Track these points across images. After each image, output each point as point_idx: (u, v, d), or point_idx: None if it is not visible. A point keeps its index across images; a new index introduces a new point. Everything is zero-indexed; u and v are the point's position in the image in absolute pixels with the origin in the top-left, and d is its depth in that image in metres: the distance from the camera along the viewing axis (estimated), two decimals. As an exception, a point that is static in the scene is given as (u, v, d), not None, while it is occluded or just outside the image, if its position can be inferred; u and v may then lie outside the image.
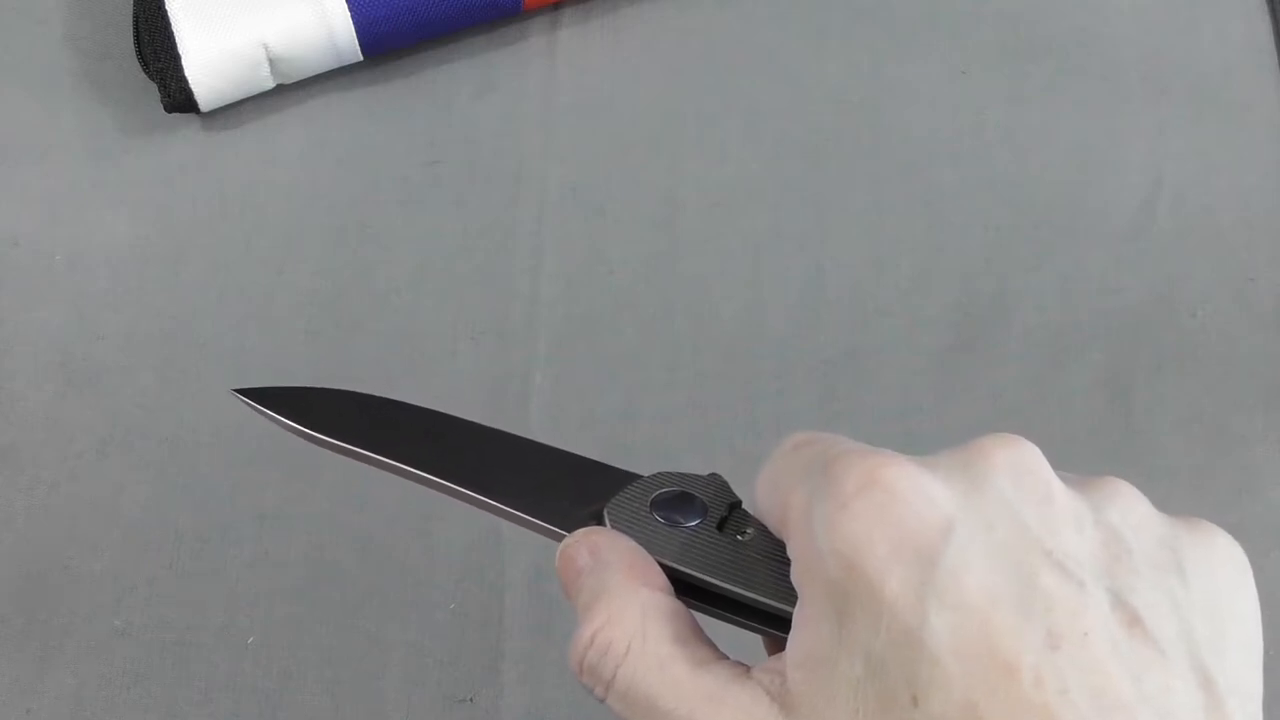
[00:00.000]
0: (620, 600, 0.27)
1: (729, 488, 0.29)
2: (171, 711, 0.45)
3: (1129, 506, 0.25)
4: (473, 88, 0.54)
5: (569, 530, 0.29)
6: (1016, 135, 0.54)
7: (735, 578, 0.27)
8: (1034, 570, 0.23)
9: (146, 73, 0.51)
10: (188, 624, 0.46)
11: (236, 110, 0.52)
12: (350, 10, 0.50)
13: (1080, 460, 0.50)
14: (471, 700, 0.46)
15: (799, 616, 0.25)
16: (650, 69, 0.55)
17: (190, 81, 0.50)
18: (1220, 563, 0.25)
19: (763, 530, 0.28)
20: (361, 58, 0.52)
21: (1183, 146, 0.54)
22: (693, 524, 0.28)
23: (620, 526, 0.29)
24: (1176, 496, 0.49)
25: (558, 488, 0.31)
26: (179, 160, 0.52)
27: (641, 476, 0.30)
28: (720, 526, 0.28)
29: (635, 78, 0.54)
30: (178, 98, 0.50)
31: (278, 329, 0.50)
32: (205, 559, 0.47)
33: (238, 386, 0.34)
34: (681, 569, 0.28)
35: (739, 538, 0.28)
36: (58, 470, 0.48)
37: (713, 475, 0.29)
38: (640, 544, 0.28)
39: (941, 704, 0.22)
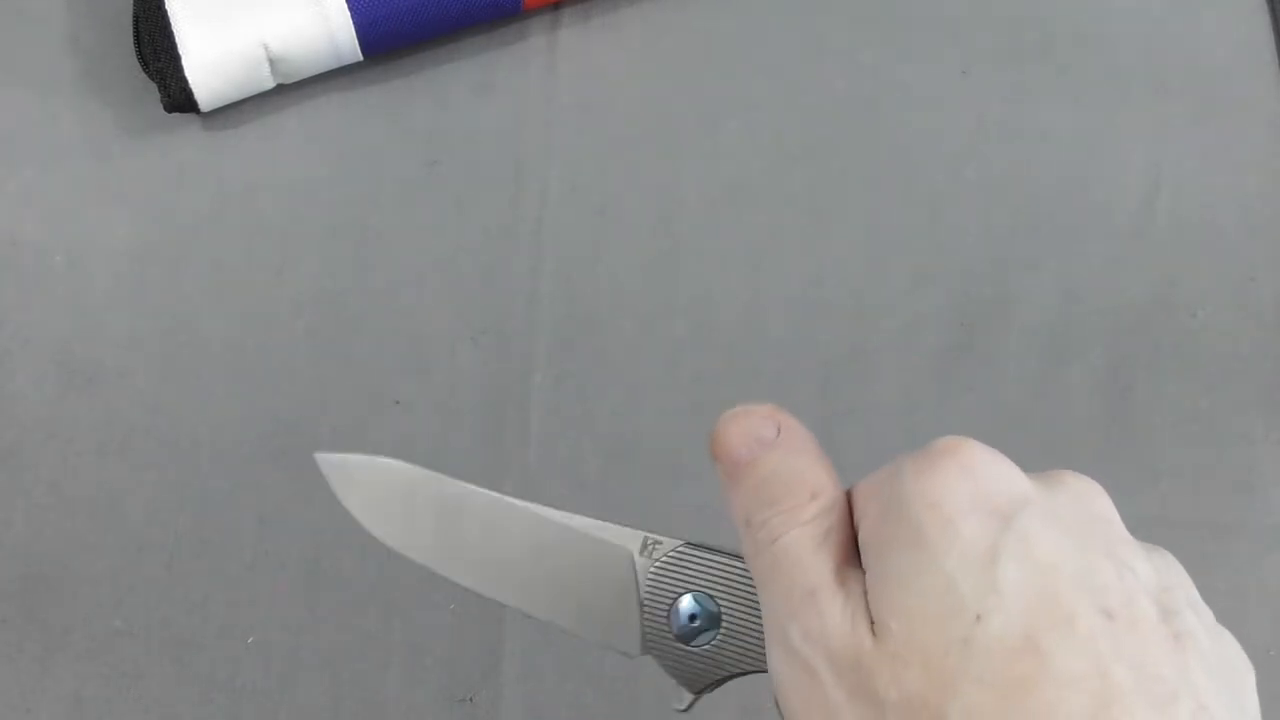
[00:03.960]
0: (833, 490, 0.28)
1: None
2: (171, 711, 0.45)
3: (1174, 562, 0.28)
4: (473, 88, 0.54)
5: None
6: (1016, 135, 0.54)
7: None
8: (1096, 557, 0.25)
9: (146, 73, 0.51)
10: (188, 624, 0.46)
11: (236, 110, 0.52)
12: (350, 10, 0.50)
13: (1080, 460, 0.50)
14: (471, 700, 0.46)
15: (874, 563, 0.27)
16: (650, 69, 0.55)
17: (190, 81, 0.50)
18: (1238, 651, 0.27)
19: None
20: (361, 58, 0.52)
21: (1183, 146, 0.54)
22: (716, 632, 0.30)
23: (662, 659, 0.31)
24: (1176, 496, 0.50)
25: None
26: (179, 160, 0.52)
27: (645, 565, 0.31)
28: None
29: (635, 78, 0.54)
30: (178, 98, 0.50)
31: (278, 329, 0.50)
32: (205, 559, 0.47)
33: (322, 453, 0.34)
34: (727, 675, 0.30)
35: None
36: (58, 470, 0.48)
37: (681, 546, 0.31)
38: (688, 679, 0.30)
39: (1002, 626, 0.24)
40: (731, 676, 0.30)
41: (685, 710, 0.30)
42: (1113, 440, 0.50)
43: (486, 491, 0.33)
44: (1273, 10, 0.56)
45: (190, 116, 0.52)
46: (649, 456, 0.49)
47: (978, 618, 0.24)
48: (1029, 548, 0.25)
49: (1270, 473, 0.50)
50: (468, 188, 0.52)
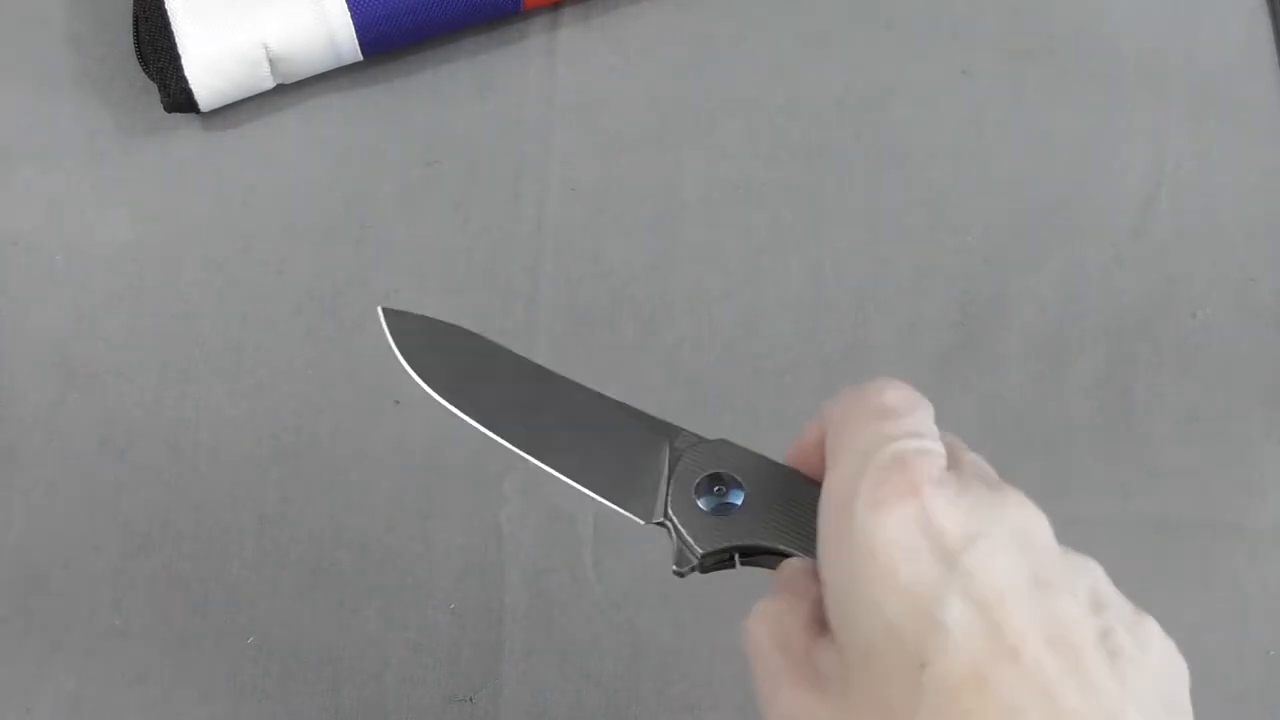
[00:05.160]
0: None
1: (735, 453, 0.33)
2: (171, 711, 0.45)
3: (1102, 578, 0.28)
4: (473, 88, 0.54)
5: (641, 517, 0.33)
6: (1016, 135, 0.54)
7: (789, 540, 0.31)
8: (1036, 585, 0.26)
9: (146, 73, 0.51)
10: (188, 624, 0.46)
11: (236, 110, 0.52)
12: (350, 10, 0.50)
13: (1080, 460, 0.50)
14: (471, 700, 0.46)
15: (831, 602, 0.28)
16: (650, 69, 0.55)
17: (190, 81, 0.50)
18: (1161, 641, 0.28)
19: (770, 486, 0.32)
20: (361, 58, 0.52)
21: (1183, 146, 0.54)
22: (737, 505, 0.32)
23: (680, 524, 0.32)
24: (1176, 496, 0.49)
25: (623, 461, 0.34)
26: (179, 160, 0.52)
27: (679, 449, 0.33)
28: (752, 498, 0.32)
29: (635, 78, 0.54)
30: (178, 98, 0.50)
31: (278, 329, 0.50)
32: (205, 559, 0.47)
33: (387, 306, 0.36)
34: (742, 544, 0.31)
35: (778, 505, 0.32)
36: (58, 470, 0.48)
37: (721, 441, 0.33)
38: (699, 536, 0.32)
39: (948, 665, 0.25)
40: (739, 552, 0.32)
41: (684, 573, 0.32)
42: (1113, 440, 0.50)
43: (536, 364, 0.36)
44: (1273, 10, 0.56)
45: (190, 116, 0.52)
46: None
47: (922, 665, 0.25)
48: (975, 582, 0.26)
49: (1270, 473, 0.50)
50: (468, 188, 0.52)
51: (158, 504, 0.48)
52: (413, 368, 0.35)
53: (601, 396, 0.35)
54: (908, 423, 0.29)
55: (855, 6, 0.56)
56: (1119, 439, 0.50)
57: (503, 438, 0.34)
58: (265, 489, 0.48)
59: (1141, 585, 0.29)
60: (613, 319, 0.51)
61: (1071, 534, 0.30)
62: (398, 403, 0.49)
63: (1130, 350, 0.51)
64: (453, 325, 0.36)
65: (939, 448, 0.29)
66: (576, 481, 0.33)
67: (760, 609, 0.30)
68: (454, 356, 0.36)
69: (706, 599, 0.33)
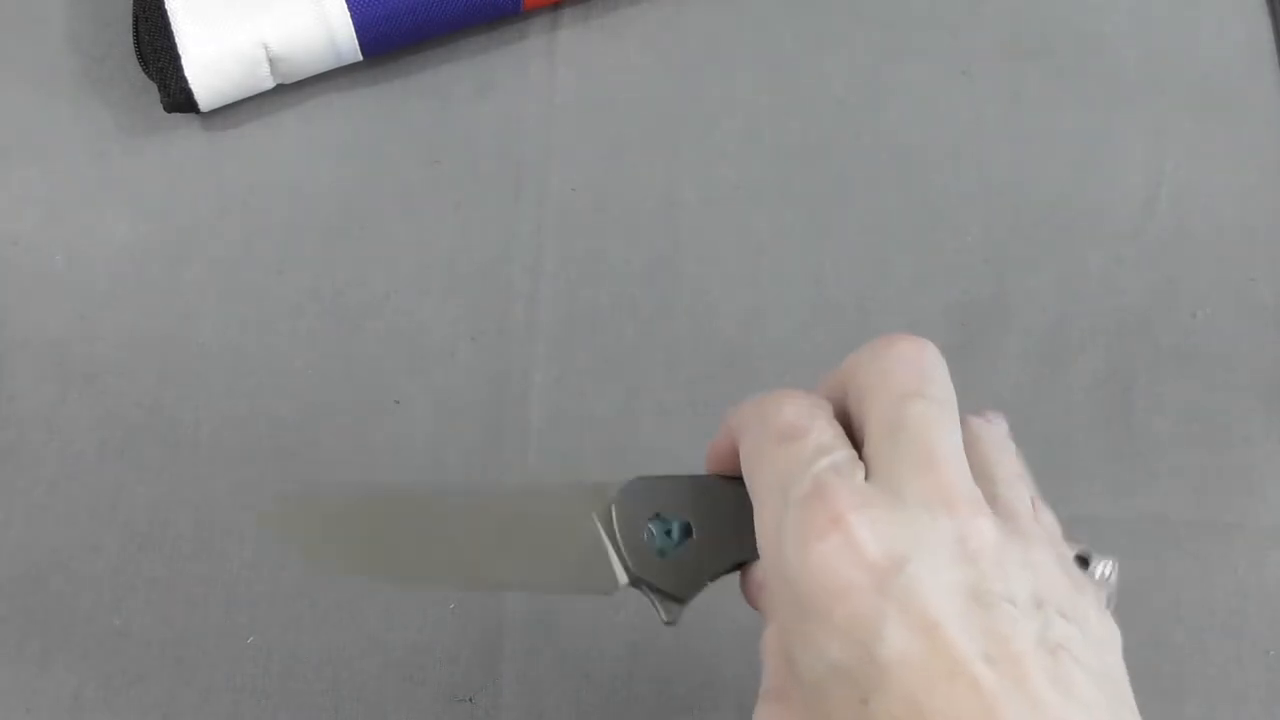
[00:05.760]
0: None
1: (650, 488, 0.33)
2: (171, 711, 0.45)
3: (1045, 559, 0.28)
4: (473, 88, 0.54)
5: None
6: (1016, 135, 0.54)
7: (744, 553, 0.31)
8: (973, 599, 0.26)
9: (146, 73, 0.51)
10: (188, 624, 0.46)
11: (236, 110, 0.52)
12: (350, 10, 0.50)
13: (1080, 460, 0.50)
14: (471, 700, 0.46)
15: (768, 610, 0.29)
16: (650, 69, 0.55)
17: (190, 81, 0.50)
18: (1100, 619, 0.28)
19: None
20: (361, 58, 0.52)
21: (1183, 146, 0.54)
22: (688, 536, 0.32)
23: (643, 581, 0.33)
24: (1176, 496, 0.49)
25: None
26: (179, 160, 0.52)
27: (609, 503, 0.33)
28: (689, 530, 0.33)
29: (635, 78, 0.54)
30: (178, 98, 0.50)
31: (278, 329, 0.50)
32: (205, 559, 0.47)
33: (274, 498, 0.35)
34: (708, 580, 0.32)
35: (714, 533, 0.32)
36: (58, 470, 0.48)
37: (637, 480, 0.33)
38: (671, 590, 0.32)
39: (887, 701, 0.25)
40: (712, 578, 0.32)
41: (672, 622, 0.32)
42: (1113, 440, 0.50)
43: (422, 493, 0.34)
44: (1273, 10, 0.56)
45: (190, 116, 0.52)
46: (649, 456, 0.49)
47: (863, 700, 0.26)
48: (910, 609, 0.26)
49: (1270, 473, 0.50)
50: (468, 188, 0.52)
51: (158, 504, 0.48)
52: (321, 560, 0.34)
53: (503, 491, 0.34)
54: (813, 439, 0.29)
55: (855, 6, 0.56)
56: (1119, 439, 0.50)
57: (444, 584, 0.34)
58: (265, 489, 0.48)
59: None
60: (613, 319, 0.51)
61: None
62: (398, 402, 0.49)
63: (1130, 350, 0.51)
64: (330, 486, 0.35)
65: (848, 451, 0.29)
66: (533, 590, 0.34)
67: (766, 633, 0.31)
68: (353, 523, 0.34)
69: (706, 599, 0.33)
